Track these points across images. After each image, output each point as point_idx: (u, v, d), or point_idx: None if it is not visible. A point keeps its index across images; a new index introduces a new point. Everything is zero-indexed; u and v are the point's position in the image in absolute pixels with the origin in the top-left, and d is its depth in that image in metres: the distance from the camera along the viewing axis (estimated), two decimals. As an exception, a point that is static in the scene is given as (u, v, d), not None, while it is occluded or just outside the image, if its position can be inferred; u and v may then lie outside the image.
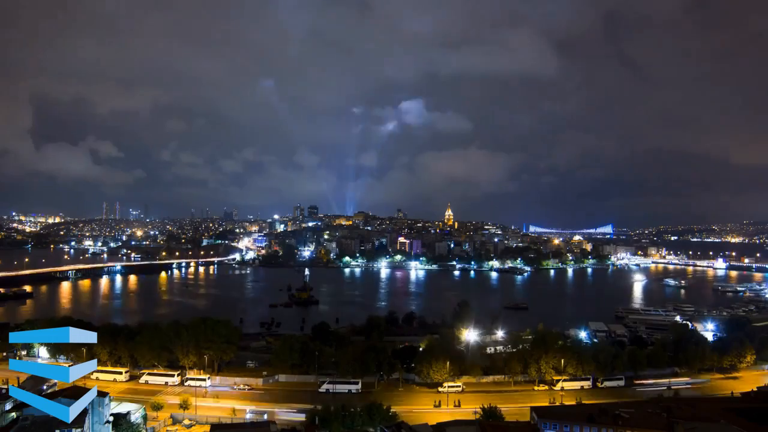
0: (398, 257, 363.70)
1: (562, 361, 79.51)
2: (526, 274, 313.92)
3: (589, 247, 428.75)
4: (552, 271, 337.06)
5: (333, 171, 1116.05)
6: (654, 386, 79.62)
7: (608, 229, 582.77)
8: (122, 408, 58.53)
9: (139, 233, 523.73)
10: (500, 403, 63.02)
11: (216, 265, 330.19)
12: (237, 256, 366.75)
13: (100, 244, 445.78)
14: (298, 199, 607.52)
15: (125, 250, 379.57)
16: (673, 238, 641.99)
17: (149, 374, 78.53)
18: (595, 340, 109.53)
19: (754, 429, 50.05)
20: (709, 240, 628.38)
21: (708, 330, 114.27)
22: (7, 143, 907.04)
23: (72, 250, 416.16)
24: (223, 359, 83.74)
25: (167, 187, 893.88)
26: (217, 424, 58.94)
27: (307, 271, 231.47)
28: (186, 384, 76.52)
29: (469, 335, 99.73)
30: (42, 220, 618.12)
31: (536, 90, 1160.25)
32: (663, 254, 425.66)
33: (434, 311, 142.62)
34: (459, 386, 76.86)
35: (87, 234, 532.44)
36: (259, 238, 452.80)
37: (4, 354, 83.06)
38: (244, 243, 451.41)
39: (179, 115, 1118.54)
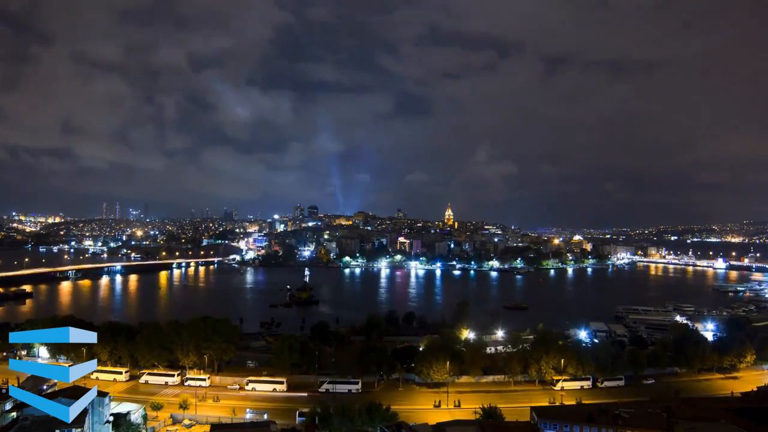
0: (398, 257, 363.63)
1: (562, 361, 79.45)
2: (525, 273, 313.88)
3: (589, 247, 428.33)
4: (552, 271, 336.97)
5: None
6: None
7: (608, 229, 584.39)
8: (122, 408, 58.51)
9: (139, 233, 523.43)
10: (500, 403, 62.97)
11: (216, 265, 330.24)
12: (237, 256, 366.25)
13: (100, 244, 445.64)
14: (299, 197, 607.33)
15: (125, 250, 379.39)
16: (673, 238, 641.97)
17: (149, 374, 78.47)
18: (596, 340, 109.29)
19: (754, 429, 49.90)
20: (709, 240, 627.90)
21: (708, 330, 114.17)
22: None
23: (72, 250, 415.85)
24: (223, 359, 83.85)
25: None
26: (217, 424, 58.87)
27: (307, 271, 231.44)
28: (186, 384, 76.55)
29: (469, 335, 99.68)
30: (42, 220, 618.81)
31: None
32: (663, 254, 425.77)
33: (434, 311, 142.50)
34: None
35: (87, 234, 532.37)
36: (259, 238, 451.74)
37: (4, 354, 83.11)
38: (244, 243, 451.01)
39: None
